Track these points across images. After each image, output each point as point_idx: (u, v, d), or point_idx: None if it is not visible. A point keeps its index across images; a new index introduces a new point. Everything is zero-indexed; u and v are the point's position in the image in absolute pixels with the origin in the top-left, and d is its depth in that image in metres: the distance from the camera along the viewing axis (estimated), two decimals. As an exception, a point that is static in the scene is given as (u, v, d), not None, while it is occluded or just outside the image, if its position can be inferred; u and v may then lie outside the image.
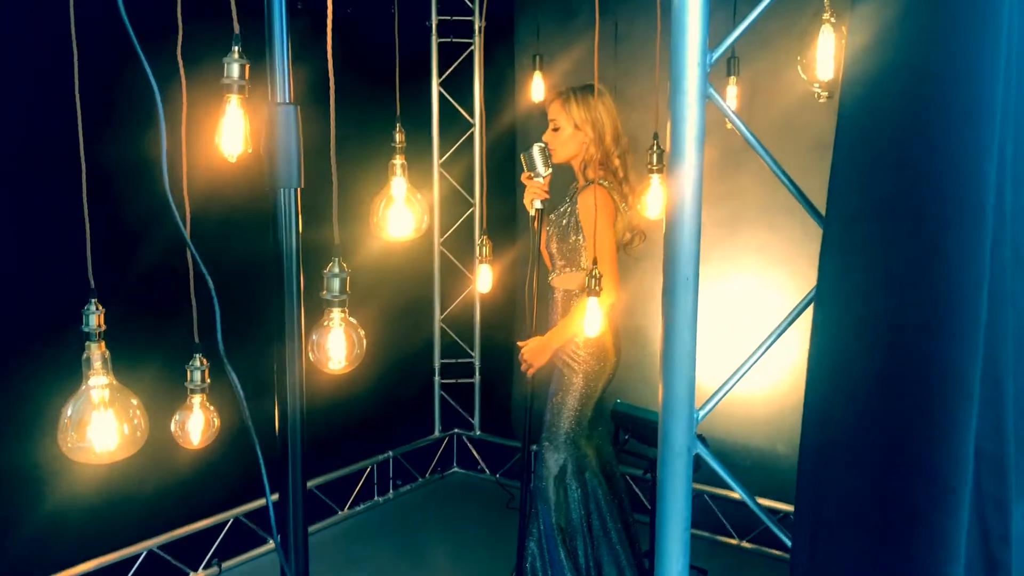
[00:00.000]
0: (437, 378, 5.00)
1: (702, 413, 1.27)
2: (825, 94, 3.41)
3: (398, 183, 2.76)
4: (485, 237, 3.14)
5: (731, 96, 3.54)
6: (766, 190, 4.09)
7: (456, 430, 5.11)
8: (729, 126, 3.69)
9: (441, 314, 4.97)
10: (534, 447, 3.16)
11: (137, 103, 2.85)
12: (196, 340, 2.24)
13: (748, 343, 4.34)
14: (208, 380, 2.27)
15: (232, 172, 2.19)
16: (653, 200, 2.81)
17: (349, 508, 4.46)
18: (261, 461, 1.26)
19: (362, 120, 3.55)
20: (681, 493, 1.25)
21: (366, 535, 4.30)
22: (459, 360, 5.04)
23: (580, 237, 3.01)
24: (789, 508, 3.85)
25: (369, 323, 4.76)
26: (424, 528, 4.41)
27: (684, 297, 1.19)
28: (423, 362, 5.02)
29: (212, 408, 2.31)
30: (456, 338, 5.01)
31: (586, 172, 3.04)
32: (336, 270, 1.80)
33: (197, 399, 2.28)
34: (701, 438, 1.36)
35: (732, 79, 3.52)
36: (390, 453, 4.66)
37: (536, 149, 2.90)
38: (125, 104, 2.99)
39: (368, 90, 3.73)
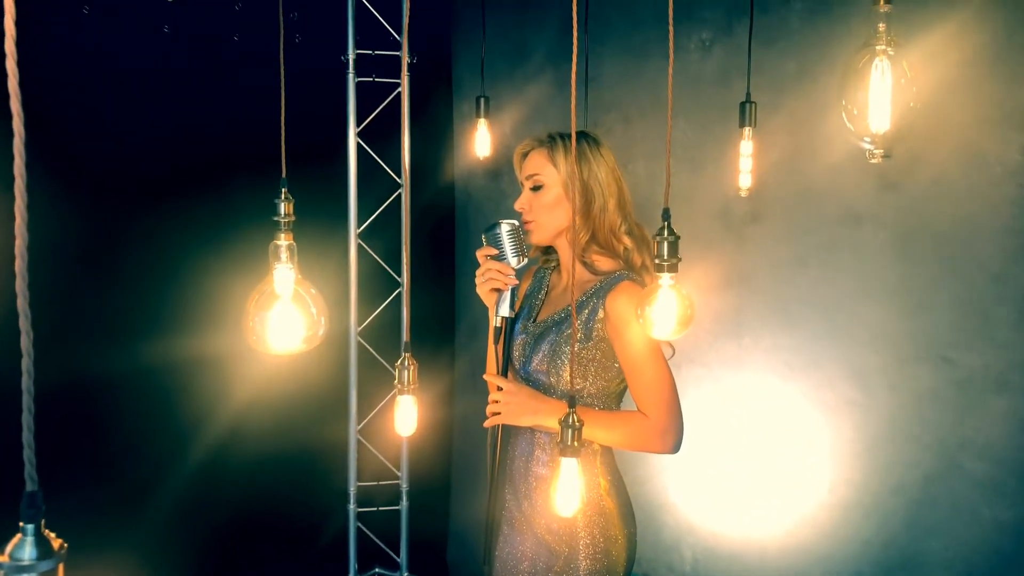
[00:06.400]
0: (352, 505, 3.90)
1: None
2: (879, 152, 2.39)
3: (283, 273, 1.79)
4: (408, 356, 2.10)
5: (746, 152, 2.62)
6: (781, 275, 3.17)
7: (377, 569, 4.01)
8: (744, 192, 2.76)
9: (358, 424, 3.90)
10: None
11: None
12: None
13: (761, 471, 3.38)
14: None
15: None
16: (661, 313, 1.76)
17: None
18: None
19: (261, 185, 2.54)
20: None
21: None
22: (381, 482, 3.96)
23: (614, 364, 2.03)
24: None
25: (260, 435, 3.82)
26: None
27: None
28: (334, 484, 3.93)
29: None
30: (377, 453, 3.94)
31: (590, 258, 2.04)
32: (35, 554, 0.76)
33: None
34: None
35: (747, 130, 2.61)
36: (287, 613, 3.56)
37: (505, 228, 1.91)
38: None
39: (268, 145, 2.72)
